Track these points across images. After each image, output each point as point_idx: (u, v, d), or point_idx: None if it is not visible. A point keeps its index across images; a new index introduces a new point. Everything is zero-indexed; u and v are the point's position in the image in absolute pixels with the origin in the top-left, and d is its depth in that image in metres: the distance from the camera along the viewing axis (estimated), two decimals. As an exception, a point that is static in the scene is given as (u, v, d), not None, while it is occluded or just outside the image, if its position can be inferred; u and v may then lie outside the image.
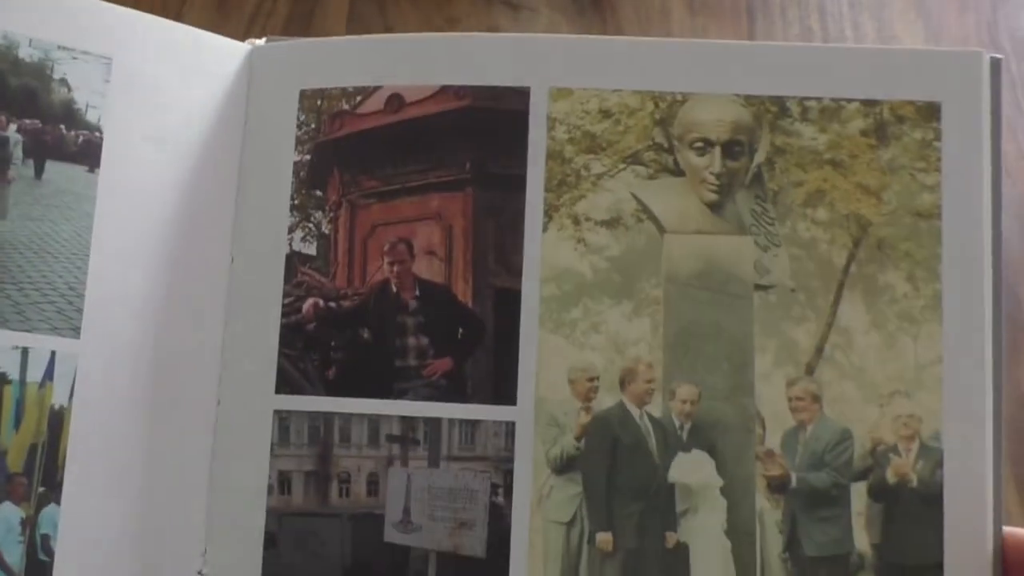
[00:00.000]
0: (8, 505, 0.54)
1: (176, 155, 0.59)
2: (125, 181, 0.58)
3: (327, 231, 0.60)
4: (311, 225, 0.60)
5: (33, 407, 0.54)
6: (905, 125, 0.59)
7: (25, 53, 0.57)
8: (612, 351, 0.58)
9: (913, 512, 0.56)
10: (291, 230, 0.60)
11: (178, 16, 0.89)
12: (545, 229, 0.59)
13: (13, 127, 0.56)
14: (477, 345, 0.58)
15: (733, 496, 0.57)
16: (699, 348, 0.58)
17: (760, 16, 0.95)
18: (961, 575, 0.55)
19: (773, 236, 0.59)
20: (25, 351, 0.55)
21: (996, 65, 0.59)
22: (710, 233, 0.59)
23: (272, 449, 0.58)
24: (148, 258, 0.58)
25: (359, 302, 0.59)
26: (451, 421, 0.58)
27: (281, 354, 0.59)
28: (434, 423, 0.58)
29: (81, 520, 0.54)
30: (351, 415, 0.58)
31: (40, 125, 0.57)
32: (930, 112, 0.59)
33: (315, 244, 0.60)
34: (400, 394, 0.58)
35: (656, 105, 0.60)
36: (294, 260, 0.60)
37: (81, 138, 0.57)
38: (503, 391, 0.58)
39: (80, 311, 0.56)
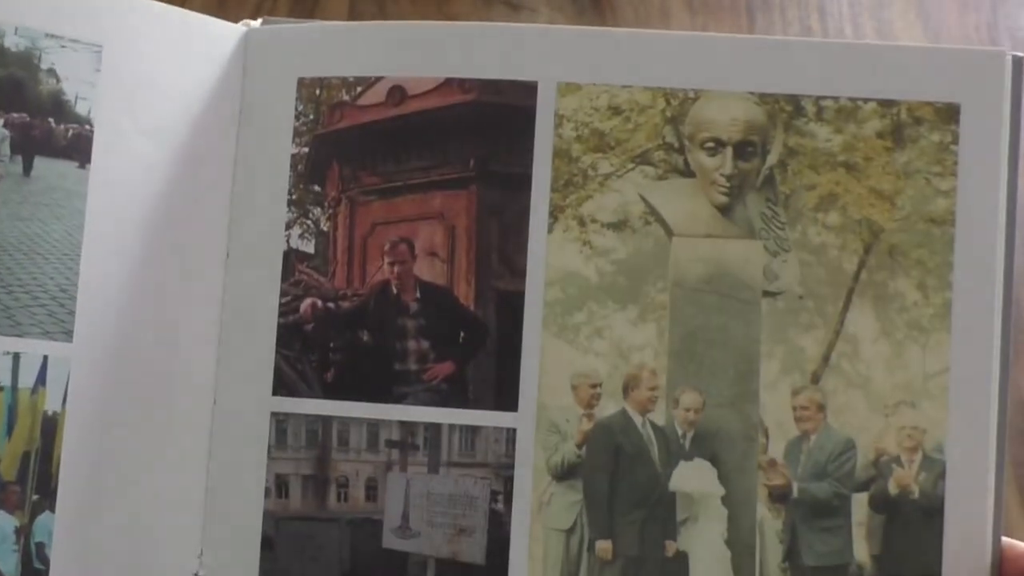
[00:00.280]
0: (1, 514, 0.53)
1: (169, 147, 0.57)
2: (117, 176, 0.56)
3: (326, 228, 0.58)
4: (309, 222, 0.58)
5: (25, 414, 0.53)
6: (922, 127, 0.57)
7: (11, 42, 0.54)
8: (616, 357, 0.57)
9: (913, 524, 0.56)
10: (289, 226, 0.58)
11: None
12: (550, 231, 0.58)
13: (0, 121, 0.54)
14: (479, 349, 0.57)
15: (734, 505, 0.57)
16: (705, 355, 0.57)
17: (760, 15, 0.95)
18: (959, 587, 0.55)
19: (783, 241, 0.58)
20: (16, 356, 0.53)
21: (1019, 65, 0.58)
22: (719, 237, 0.58)
23: (269, 452, 0.57)
24: (141, 256, 0.56)
25: (359, 303, 0.58)
26: (451, 426, 0.57)
27: (278, 355, 0.57)
28: (434, 428, 0.57)
29: (76, 527, 0.54)
30: (350, 419, 0.57)
31: (28, 119, 0.55)
32: (948, 114, 0.57)
33: (313, 242, 0.58)
34: (400, 398, 0.57)
35: (668, 102, 0.58)
36: (292, 258, 0.58)
37: (71, 132, 0.55)
38: (504, 396, 0.57)
39: (72, 314, 0.54)
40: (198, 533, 0.56)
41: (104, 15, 0.56)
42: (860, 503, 0.56)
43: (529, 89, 0.58)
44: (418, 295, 0.58)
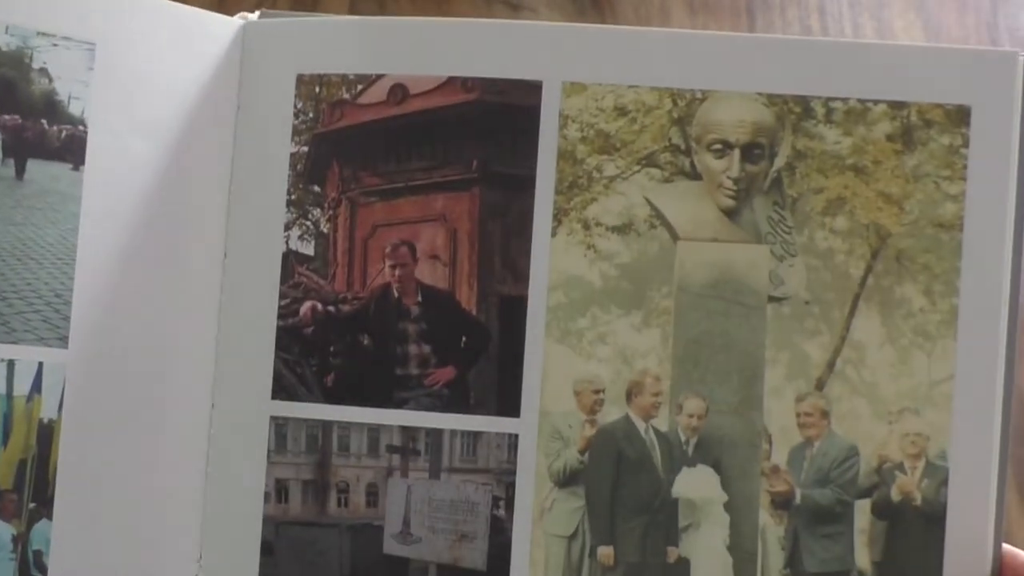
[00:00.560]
0: (-2, 523, 0.53)
1: (165, 147, 0.56)
2: (112, 178, 0.54)
3: (326, 230, 0.57)
4: (309, 223, 0.57)
5: (21, 422, 0.53)
6: (932, 130, 0.56)
7: (1, 41, 0.53)
8: (619, 363, 0.57)
9: (915, 530, 0.56)
10: (288, 227, 0.57)
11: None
12: (554, 234, 0.57)
13: (-9, 123, 0.53)
14: (481, 354, 0.56)
15: (736, 512, 0.56)
16: (709, 361, 0.57)
17: (760, 16, 0.94)
18: (959, 594, 0.55)
19: (790, 245, 0.57)
20: (11, 364, 0.52)
21: (1032, 67, 0.57)
22: (725, 241, 0.57)
23: (269, 456, 0.56)
24: (138, 259, 0.55)
25: (359, 307, 0.57)
26: (453, 432, 0.56)
27: (278, 358, 0.57)
28: (435, 434, 0.56)
29: (74, 534, 0.53)
30: (350, 424, 0.57)
31: (20, 120, 0.53)
32: (959, 116, 0.56)
33: (313, 243, 0.57)
34: (401, 403, 0.57)
35: (675, 103, 0.57)
36: (291, 259, 0.57)
37: (64, 133, 0.54)
38: (506, 402, 0.56)
39: (67, 319, 0.53)
40: (197, 538, 0.56)
41: (97, 12, 0.54)
42: (862, 510, 0.56)
43: (533, 89, 0.57)
44: (419, 299, 0.57)
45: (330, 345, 0.57)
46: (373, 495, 0.56)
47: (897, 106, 0.56)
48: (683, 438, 0.57)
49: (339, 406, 0.57)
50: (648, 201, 0.57)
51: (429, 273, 0.57)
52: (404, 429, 0.57)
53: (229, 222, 0.57)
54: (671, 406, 0.57)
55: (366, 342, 0.57)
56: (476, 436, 0.56)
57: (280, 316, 0.57)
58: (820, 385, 0.56)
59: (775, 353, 0.57)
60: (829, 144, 0.57)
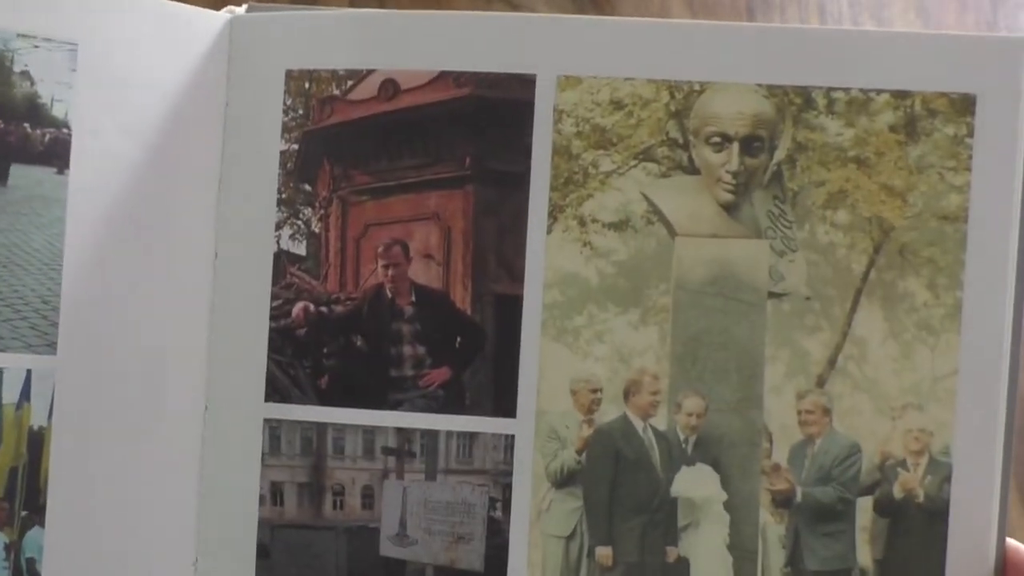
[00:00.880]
0: (-9, 532, 0.52)
1: (152, 147, 0.54)
2: (98, 180, 0.53)
3: (317, 230, 0.56)
4: (300, 222, 0.56)
5: (11, 430, 0.52)
6: (937, 120, 0.55)
7: (-19, 44, 0.52)
8: (616, 361, 0.56)
9: (918, 527, 0.55)
10: (279, 227, 0.56)
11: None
12: (549, 231, 0.56)
13: (-28, 129, 0.52)
14: (476, 354, 0.56)
15: (737, 511, 0.56)
16: (708, 358, 0.56)
17: (760, 15, 0.94)
18: (962, 591, 0.55)
19: (790, 240, 0.56)
20: (-1, 372, 0.52)
21: (1039, 54, 0.55)
22: (724, 237, 0.56)
23: (263, 459, 0.56)
24: (126, 262, 0.54)
25: (352, 307, 0.56)
26: (448, 433, 0.56)
27: (270, 360, 0.56)
28: (431, 435, 0.56)
29: (67, 541, 0.53)
30: (345, 426, 0.56)
31: (2, 125, 0.52)
32: (964, 106, 0.55)
33: (304, 243, 0.56)
34: (395, 405, 0.56)
35: (672, 96, 0.56)
36: (282, 259, 0.56)
37: (48, 136, 0.53)
38: (502, 403, 0.55)
39: (55, 325, 0.52)
40: (193, 542, 0.55)
41: (78, 11, 0.53)
42: (864, 507, 0.56)
43: (527, 83, 0.55)
44: (413, 299, 0.56)
45: (323, 346, 0.56)
46: (369, 497, 0.56)
47: (900, 96, 0.55)
48: (682, 437, 0.56)
49: (333, 408, 0.56)
50: (645, 196, 0.56)
51: (423, 273, 0.56)
52: (399, 431, 0.56)
53: (219, 222, 0.56)
54: (670, 405, 0.56)
55: (359, 343, 0.56)
56: (472, 437, 0.56)
57: (272, 317, 0.56)
58: (821, 382, 0.56)
59: (775, 350, 0.56)
60: (831, 136, 0.55)
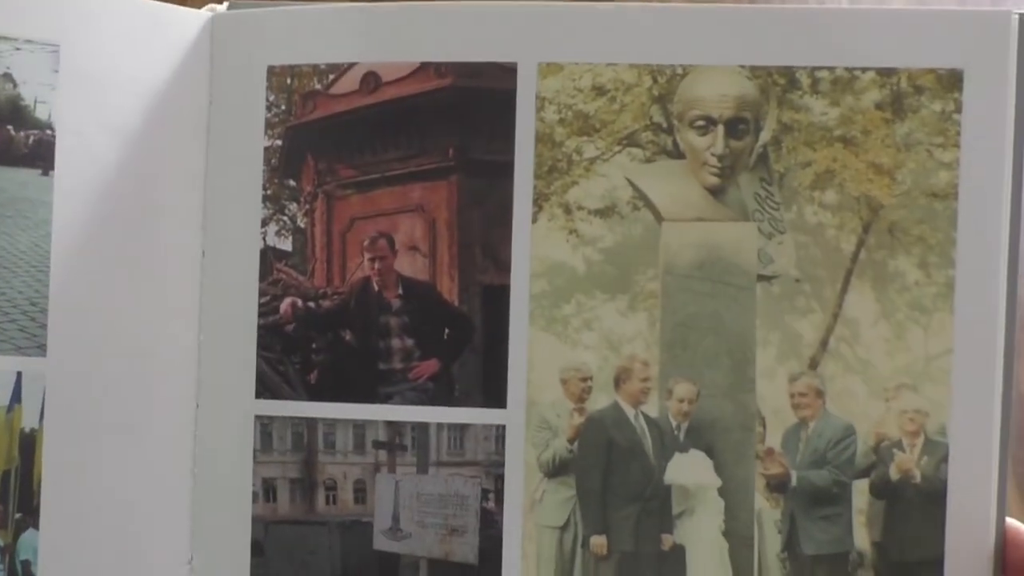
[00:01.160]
0: (-16, 534, 0.52)
1: (137, 146, 0.55)
2: (83, 181, 0.54)
3: (303, 225, 0.56)
4: (285, 218, 0.56)
5: (2, 433, 0.52)
6: (924, 96, 0.54)
7: (-38, 49, 0.52)
8: (606, 349, 0.55)
9: (915, 508, 0.55)
10: (264, 223, 0.56)
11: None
12: (535, 220, 0.55)
13: (-45, 132, 0.52)
14: (464, 346, 0.55)
15: (731, 496, 0.55)
16: (698, 344, 0.55)
17: None
18: (961, 571, 0.54)
19: (778, 222, 0.55)
20: (-11, 375, 0.52)
21: (1027, 25, 0.54)
22: (711, 220, 0.56)
23: (255, 456, 0.56)
24: (113, 262, 0.54)
25: (339, 302, 0.56)
26: (439, 425, 0.56)
27: (260, 357, 0.56)
28: (422, 428, 0.56)
29: (61, 543, 0.53)
30: (335, 420, 0.56)
31: (-15, 128, 0.52)
32: (952, 81, 0.54)
33: (290, 239, 0.56)
34: (385, 398, 0.56)
35: (654, 80, 0.55)
36: (269, 256, 0.56)
37: (32, 138, 0.53)
38: (492, 393, 0.55)
39: (44, 327, 0.53)
40: (187, 541, 0.56)
41: (59, 12, 0.53)
42: (860, 490, 0.55)
43: (508, 71, 0.55)
44: (400, 292, 0.56)
45: (312, 342, 0.56)
46: (361, 492, 0.56)
47: (886, 73, 0.55)
48: (674, 423, 0.56)
49: (323, 403, 0.56)
50: (630, 182, 0.56)
51: (409, 265, 0.56)
52: (390, 424, 0.56)
53: (205, 220, 0.56)
54: (661, 391, 0.55)
55: (348, 337, 0.56)
56: (463, 429, 0.55)
57: (260, 314, 0.56)
58: (813, 364, 0.55)
59: (766, 333, 0.55)
60: (816, 115, 0.55)
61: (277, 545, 0.56)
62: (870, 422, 0.55)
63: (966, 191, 0.54)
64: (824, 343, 0.55)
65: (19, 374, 0.52)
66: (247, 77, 0.56)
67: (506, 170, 0.55)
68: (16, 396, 0.52)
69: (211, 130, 0.56)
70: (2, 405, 0.52)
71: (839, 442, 0.55)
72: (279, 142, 0.56)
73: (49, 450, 0.53)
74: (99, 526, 0.54)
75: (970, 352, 0.54)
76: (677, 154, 0.56)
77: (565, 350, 0.55)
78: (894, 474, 0.55)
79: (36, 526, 0.53)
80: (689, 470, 0.56)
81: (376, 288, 0.56)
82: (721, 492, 0.55)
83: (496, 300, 0.55)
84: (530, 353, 0.55)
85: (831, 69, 0.55)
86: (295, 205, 0.57)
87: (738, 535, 0.55)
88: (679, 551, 0.55)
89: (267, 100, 0.56)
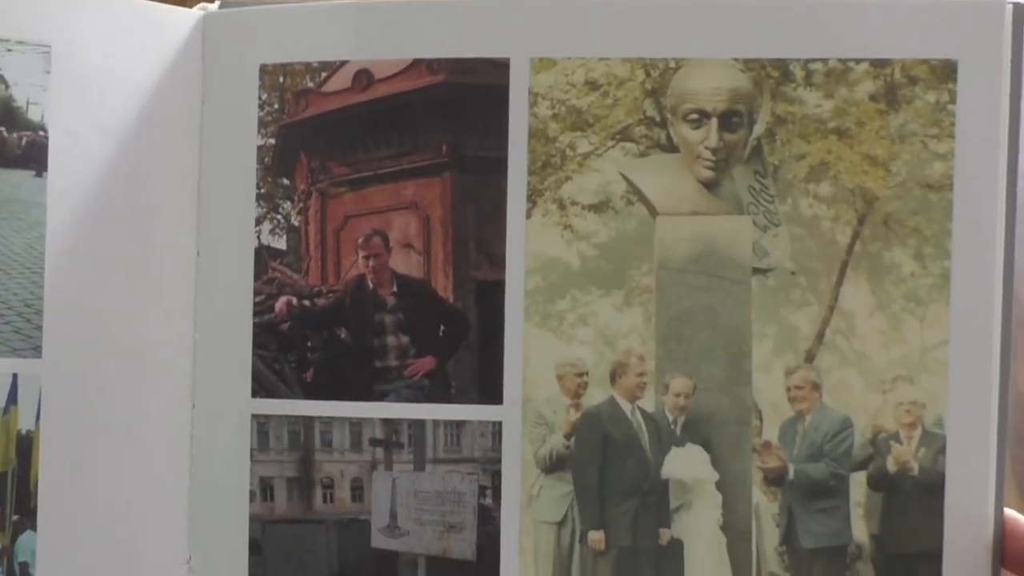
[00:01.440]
0: (-18, 537, 0.52)
1: (130, 146, 0.55)
2: (76, 182, 0.54)
3: (297, 223, 0.56)
4: (279, 217, 0.56)
5: (-1, 435, 0.53)
6: (917, 87, 0.54)
7: (-47, 51, 0.52)
8: (602, 344, 0.55)
9: (913, 500, 0.55)
10: (258, 222, 0.56)
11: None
12: (529, 216, 0.55)
13: (-53, 135, 0.52)
14: (460, 342, 0.55)
15: (729, 490, 0.55)
16: (693, 338, 0.55)
17: None
18: (960, 562, 0.54)
19: (773, 215, 0.55)
20: (-15, 377, 0.52)
21: (1020, 16, 0.54)
22: (705, 214, 0.56)
23: (252, 455, 0.56)
24: (108, 263, 0.54)
25: (334, 300, 0.56)
26: (435, 422, 0.56)
27: (255, 356, 0.56)
28: (418, 425, 0.56)
29: (60, 544, 0.53)
30: (332, 419, 0.56)
31: (-22, 130, 0.52)
32: (945, 72, 0.54)
33: (285, 237, 0.56)
34: (381, 396, 0.56)
35: (647, 74, 0.55)
36: (263, 255, 0.56)
37: (24, 140, 0.53)
38: (488, 390, 0.55)
39: (40, 328, 0.53)
40: (185, 540, 0.56)
41: (50, 13, 0.53)
42: (858, 482, 0.55)
43: (501, 67, 0.55)
44: (395, 289, 0.56)
45: (307, 340, 0.56)
46: (358, 489, 0.56)
47: (880, 64, 0.54)
48: (670, 418, 0.56)
49: (319, 401, 0.56)
50: (624, 177, 0.55)
51: (403, 262, 0.56)
52: (386, 422, 0.56)
53: (199, 219, 0.56)
54: (657, 386, 0.55)
55: (343, 335, 0.56)
56: (459, 425, 0.55)
57: (255, 313, 0.56)
58: (810, 357, 0.55)
59: (762, 326, 0.55)
60: (810, 108, 0.55)
61: (275, 544, 0.56)
62: (867, 414, 0.55)
63: (961, 182, 0.54)
64: (820, 336, 0.55)
65: (15, 376, 0.52)
66: (239, 76, 0.56)
67: (500, 166, 0.55)
68: (12, 398, 0.52)
69: (204, 129, 0.56)
70: (-2, 407, 0.52)
71: (836, 435, 0.55)
72: (272, 141, 0.56)
73: (46, 451, 0.53)
74: (97, 527, 0.54)
75: (966, 343, 0.54)
76: (671, 148, 0.56)
77: (560, 346, 0.55)
78: (891, 466, 0.55)
79: (34, 528, 0.53)
80: (686, 464, 0.55)
81: (371, 286, 0.56)
82: (718, 486, 0.55)
83: (491, 296, 0.55)
84: (525, 349, 0.55)
85: (824, 61, 0.55)
86: (289, 203, 0.56)
87: (736, 529, 0.55)
88: (677, 545, 0.55)
89: (260, 99, 0.56)
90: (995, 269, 0.54)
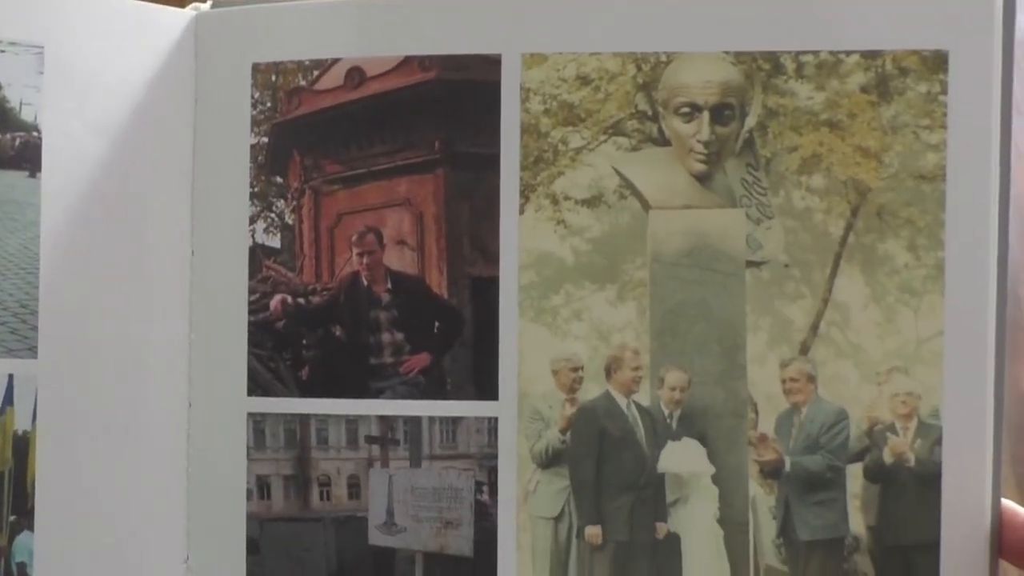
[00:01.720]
0: (-21, 538, 0.53)
1: (123, 146, 0.55)
2: (70, 182, 0.54)
3: (291, 221, 0.57)
4: (273, 215, 0.56)
5: (-6, 435, 0.53)
6: (909, 78, 0.54)
7: (-54, 53, 0.52)
8: (596, 339, 0.55)
9: (910, 492, 0.54)
10: (252, 220, 0.56)
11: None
12: (522, 211, 0.55)
13: (-59, 136, 0.52)
14: (455, 339, 0.55)
15: (725, 484, 0.55)
16: (688, 331, 0.55)
17: None
18: (958, 553, 0.54)
19: (765, 208, 0.55)
20: (-20, 378, 0.52)
21: (1010, 7, 0.54)
22: (698, 207, 0.56)
23: (248, 453, 0.56)
24: (103, 263, 0.54)
25: (329, 297, 0.56)
26: (431, 419, 0.56)
27: (251, 354, 0.56)
28: (414, 422, 0.56)
29: (57, 544, 0.53)
30: (327, 416, 0.56)
31: (-29, 132, 0.53)
32: (936, 62, 0.54)
33: (279, 236, 0.56)
34: (377, 393, 0.56)
35: (639, 68, 0.55)
36: (258, 253, 0.56)
37: (18, 140, 0.53)
38: (484, 386, 0.55)
39: (35, 329, 0.53)
40: (183, 539, 0.56)
41: (43, 13, 0.53)
42: (854, 474, 0.55)
43: (492, 63, 0.55)
44: (389, 286, 0.56)
45: (302, 338, 0.56)
46: (355, 487, 0.56)
47: (871, 55, 0.54)
48: (666, 412, 0.56)
49: (315, 399, 0.56)
50: (617, 171, 0.55)
51: (397, 259, 0.56)
52: (382, 419, 0.56)
53: (194, 219, 0.56)
54: (652, 380, 0.55)
55: (338, 333, 0.56)
56: (455, 422, 0.55)
57: (250, 312, 0.56)
58: (804, 349, 0.55)
59: (756, 319, 0.55)
60: (801, 100, 0.55)
61: (272, 542, 0.56)
62: (862, 406, 0.55)
63: (954, 172, 0.54)
64: (815, 328, 0.55)
65: (10, 376, 0.53)
66: (232, 75, 0.56)
67: (492, 162, 0.55)
68: (8, 398, 0.53)
69: (197, 128, 0.56)
70: (-6, 408, 0.53)
71: (832, 427, 0.55)
72: (265, 139, 0.56)
73: (42, 452, 0.53)
74: (94, 527, 0.54)
75: (961, 333, 0.54)
76: (663, 141, 0.56)
77: (555, 341, 0.55)
78: (888, 458, 0.55)
79: (31, 528, 0.53)
80: (682, 458, 0.55)
81: (365, 283, 0.56)
82: (715, 479, 0.55)
83: (485, 292, 0.55)
84: (520, 345, 0.55)
85: (815, 53, 0.55)
86: (282, 202, 0.57)
87: (733, 522, 0.55)
88: (674, 539, 0.55)
89: (252, 97, 0.56)
90: (989, 259, 0.54)
